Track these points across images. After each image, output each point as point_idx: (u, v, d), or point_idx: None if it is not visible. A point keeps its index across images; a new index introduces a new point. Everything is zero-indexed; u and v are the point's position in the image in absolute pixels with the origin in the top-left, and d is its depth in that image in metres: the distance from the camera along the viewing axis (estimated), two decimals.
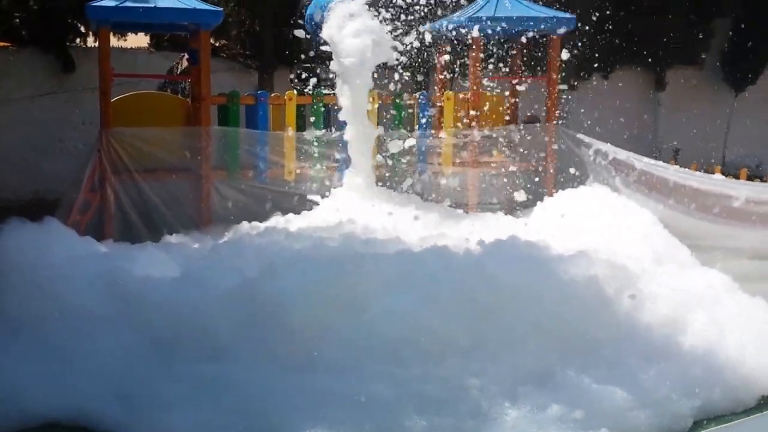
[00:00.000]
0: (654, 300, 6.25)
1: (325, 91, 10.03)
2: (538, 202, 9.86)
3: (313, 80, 10.23)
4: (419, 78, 12.21)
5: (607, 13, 13.74)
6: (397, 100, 10.25)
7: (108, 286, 6.20)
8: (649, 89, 16.80)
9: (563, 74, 10.95)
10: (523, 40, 10.47)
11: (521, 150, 10.39)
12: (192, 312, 5.83)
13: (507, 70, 11.13)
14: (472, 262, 6.33)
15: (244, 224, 8.81)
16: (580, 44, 12.67)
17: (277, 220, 9.00)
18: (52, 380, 5.39)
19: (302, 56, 10.82)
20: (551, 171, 10.48)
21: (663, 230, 8.55)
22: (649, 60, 15.84)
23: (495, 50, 10.81)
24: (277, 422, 4.92)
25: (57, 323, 5.89)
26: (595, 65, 14.42)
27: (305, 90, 10.18)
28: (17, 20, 13.68)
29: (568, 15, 10.54)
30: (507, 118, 10.73)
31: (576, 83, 15.24)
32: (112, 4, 8.99)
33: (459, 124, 10.31)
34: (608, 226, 8.31)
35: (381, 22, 9.21)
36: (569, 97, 14.13)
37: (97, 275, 6.32)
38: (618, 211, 8.90)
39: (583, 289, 6.05)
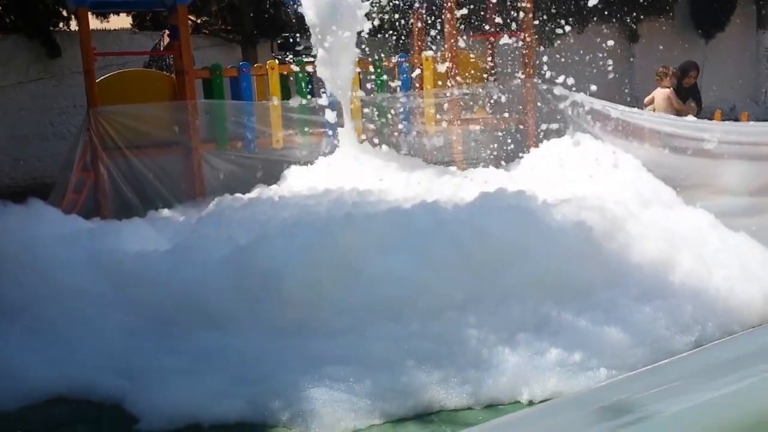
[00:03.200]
0: (643, 241, 6.37)
1: (307, 59, 10.09)
2: (524, 155, 9.99)
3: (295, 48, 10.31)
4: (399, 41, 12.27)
5: None
6: (377, 65, 10.32)
7: (104, 266, 6.25)
8: (624, 42, 16.94)
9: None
10: None
11: (501, 105, 10.52)
12: (187, 284, 5.88)
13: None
14: (463, 216, 6.37)
15: (235, 195, 8.85)
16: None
17: (263, 190, 9.11)
18: (56, 357, 5.43)
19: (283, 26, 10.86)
20: (532, 124, 10.61)
21: (647, 173, 8.68)
22: (622, 14, 15.96)
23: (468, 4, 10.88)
24: (278, 387, 4.91)
25: (54, 305, 5.92)
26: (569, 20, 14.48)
27: (287, 59, 10.24)
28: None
29: None
30: (485, 75, 10.84)
31: (553, 38, 15.31)
32: None
33: (439, 83, 10.41)
34: (594, 173, 8.46)
35: None
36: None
37: (90, 254, 6.39)
38: (602, 157, 9.03)
39: (574, 235, 6.16)
